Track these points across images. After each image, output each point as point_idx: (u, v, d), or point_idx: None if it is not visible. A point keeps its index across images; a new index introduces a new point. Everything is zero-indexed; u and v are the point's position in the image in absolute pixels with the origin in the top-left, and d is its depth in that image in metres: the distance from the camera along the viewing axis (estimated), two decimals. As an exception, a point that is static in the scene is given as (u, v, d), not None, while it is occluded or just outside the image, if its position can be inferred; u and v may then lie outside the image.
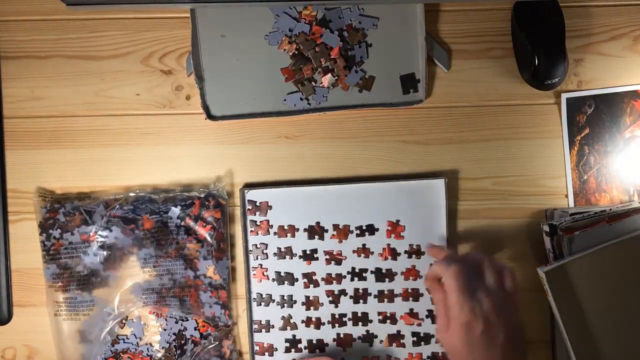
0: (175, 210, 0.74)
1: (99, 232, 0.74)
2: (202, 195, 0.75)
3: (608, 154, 0.77)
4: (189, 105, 0.77)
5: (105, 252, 0.74)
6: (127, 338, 0.75)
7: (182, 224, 0.74)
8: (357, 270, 0.76)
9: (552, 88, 0.75)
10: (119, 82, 0.77)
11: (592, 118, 0.77)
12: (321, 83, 0.76)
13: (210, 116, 0.76)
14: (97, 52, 0.77)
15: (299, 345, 0.75)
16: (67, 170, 0.76)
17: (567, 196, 0.77)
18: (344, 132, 0.77)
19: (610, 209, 0.73)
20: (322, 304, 0.76)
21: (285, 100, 0.76)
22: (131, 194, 0.75)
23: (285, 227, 0.75)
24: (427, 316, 0.76)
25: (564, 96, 0.77)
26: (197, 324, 0.75)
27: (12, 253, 0.76)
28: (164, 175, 0.76)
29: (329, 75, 0.75)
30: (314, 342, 0.76)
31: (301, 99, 0.76)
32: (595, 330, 0.70)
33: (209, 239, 0.74)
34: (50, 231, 0.74)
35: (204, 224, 0.74)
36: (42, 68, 0.76)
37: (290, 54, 0.75)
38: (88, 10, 0.75)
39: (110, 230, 0.74)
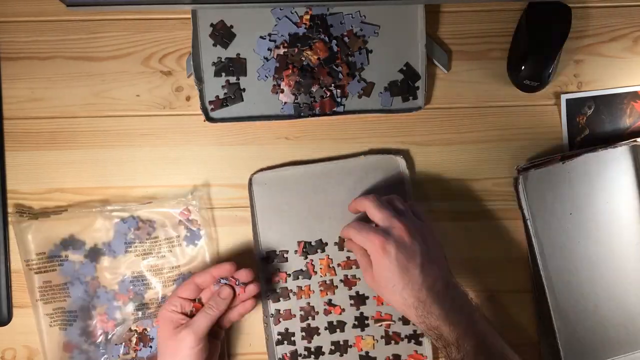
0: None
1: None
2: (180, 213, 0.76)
3: (608, 155, 0.77)
4: (189, 106, 0.77)
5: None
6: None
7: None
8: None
9: (532, 91, 0.75)
10: (119, 83, 0.77)
11: (592, 119, 0.77)
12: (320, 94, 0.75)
13: (208, 118, 0.76)
14: (97, 53, 0.77)
15: None
16: (67, 171, 0.76)
17: (567, 197, 0.77)
18: (344, 134, 0.77)
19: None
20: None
21: (282, 108, 0.76)
22: (109, 207, 0.75)
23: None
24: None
25: (564, 97, 0.77)
26: None
27: (12, 254, 0.76)
28: (164, 175, 0.76)
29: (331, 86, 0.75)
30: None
31: (297, 103, 0.76)
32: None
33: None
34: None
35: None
36: (43, 69, 0.76)
37: (277, 65, 0.75)
38: (88, 11, 0.76)
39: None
